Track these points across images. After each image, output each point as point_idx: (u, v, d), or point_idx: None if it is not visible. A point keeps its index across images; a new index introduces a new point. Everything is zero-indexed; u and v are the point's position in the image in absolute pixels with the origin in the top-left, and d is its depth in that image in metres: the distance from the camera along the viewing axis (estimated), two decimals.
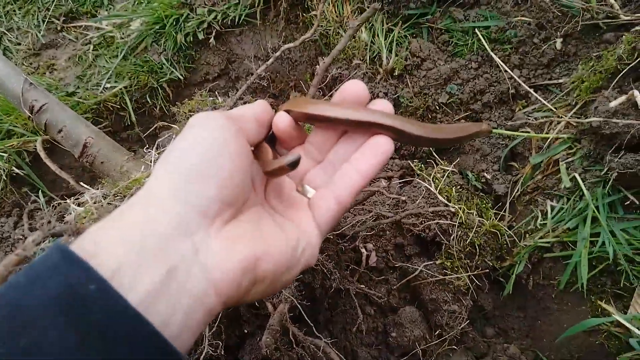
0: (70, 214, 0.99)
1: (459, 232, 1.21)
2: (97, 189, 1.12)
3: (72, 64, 1.78)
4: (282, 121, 0.50)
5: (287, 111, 0.51)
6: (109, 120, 1.68)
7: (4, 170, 1.57)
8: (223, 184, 0.40)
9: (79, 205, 1.09)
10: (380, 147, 0.49)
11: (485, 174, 1.34)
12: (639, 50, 1.08)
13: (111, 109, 1.67)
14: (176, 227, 0.37)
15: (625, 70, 1.11)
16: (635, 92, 1.04)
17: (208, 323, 0.43)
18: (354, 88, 0.49)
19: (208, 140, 0.41)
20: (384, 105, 0.50)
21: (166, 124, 1.40)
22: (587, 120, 1.09)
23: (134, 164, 1.22)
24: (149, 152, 1.22)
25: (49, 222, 0.93)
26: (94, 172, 1.35)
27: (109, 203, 1.05)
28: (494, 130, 1.33)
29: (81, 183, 1.17)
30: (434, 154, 1.44)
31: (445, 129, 0.54)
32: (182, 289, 0.35)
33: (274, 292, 0.46)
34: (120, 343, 0.31)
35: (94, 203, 1.07)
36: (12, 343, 0.29)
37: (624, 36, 1.16)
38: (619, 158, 1.04)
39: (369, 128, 0.49)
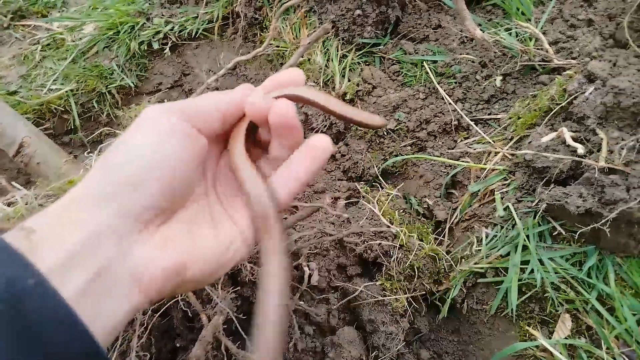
0: None
1: (400, 254, 1.24)
2: (30, 189, 1.06)
3: (17, 63, 1.71)
4: (283, 109, 0.45)
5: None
6: (51, 122, 1.61)
7: None
8: (160, 192, 0.40)
9: (8, 205, 1.03)
10: (319, 149, 0.46)
11: (427, 200, 1.39)
12: (569, 92, 1.17)
13: (54, 111, 1.60)
14: (105, 232, 0.37)
15: (556, 109, 1.20)
16: (564, 129, 1.11)
17: (133, 317, 0.44)
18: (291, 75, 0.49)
19: (151, 148, 0.40)
20: (296, 74, 0.48)
21: (112, 129, 1.36)
22: (520, 152, 1.16)
23: (72, 166, 1.17)
24: (90, 156, 1.19)
25: None
26: (30, 174, 1.29)
27: (40, 205, 1.01)
28: (436, 159, 1.39)
29: (13, 183, 1.11)
30: (380, 177, 1.47)
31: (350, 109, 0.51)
32: (108, 289, 0.37)
33: (202, 287, 0.47)
34: (52, 336, 0.32)
35: (25, 204, 1.02)
36: None
37: (556, 78, 1.25)
38: (549, 191, 1.10)
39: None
